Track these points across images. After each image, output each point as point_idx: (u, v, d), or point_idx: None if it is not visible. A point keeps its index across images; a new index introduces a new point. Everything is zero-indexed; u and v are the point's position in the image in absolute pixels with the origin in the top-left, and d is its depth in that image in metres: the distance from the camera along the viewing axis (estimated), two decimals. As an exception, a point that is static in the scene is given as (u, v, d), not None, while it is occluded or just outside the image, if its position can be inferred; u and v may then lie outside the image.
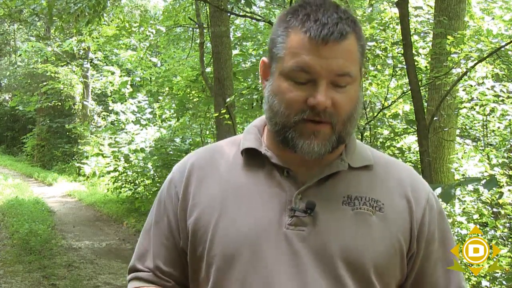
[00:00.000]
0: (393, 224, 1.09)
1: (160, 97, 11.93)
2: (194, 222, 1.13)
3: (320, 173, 1.10)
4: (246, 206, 1.10)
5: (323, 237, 1.06)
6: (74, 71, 17.31)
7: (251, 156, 1.15)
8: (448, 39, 4.74)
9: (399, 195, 1.13)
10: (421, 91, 3.64)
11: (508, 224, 5.17)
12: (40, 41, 16.87)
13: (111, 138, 12.22)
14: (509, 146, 6.46)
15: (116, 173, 11.09)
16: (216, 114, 6.86)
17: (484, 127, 6.55)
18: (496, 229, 5.02)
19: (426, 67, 5.58)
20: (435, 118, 4.93)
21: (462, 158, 5.86)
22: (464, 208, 5.17)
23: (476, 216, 5.12)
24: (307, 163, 1.11)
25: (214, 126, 8.82)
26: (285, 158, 1.12)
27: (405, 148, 6.07)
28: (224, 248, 1.08)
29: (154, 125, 11.95)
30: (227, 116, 6.58)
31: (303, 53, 1.04)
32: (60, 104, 18.15)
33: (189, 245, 1.14)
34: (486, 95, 5.30)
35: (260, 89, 6.34)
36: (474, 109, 5.97)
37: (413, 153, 6.09)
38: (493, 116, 6.11)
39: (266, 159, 1.13)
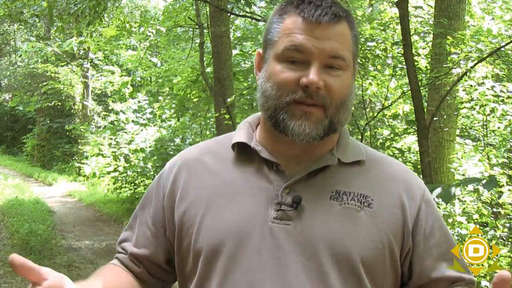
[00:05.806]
0: (382, 220, 1.07)
1: (160, 97, 11.92)
2: (181, 215, 1.13)
3: (309, 167, 1.09)
4: (234, 200, 1.09)
5: (308, 231, 1.04)
6: (74, 71, 17.29)
7: (242, 151, 1.15)
8: (448, 39, 4.74)
9: (391, 191, 1.10)
10: (421, 91, 3.63)
11: (508, 224, 5.17)
12: (40, 41, 16.86)
13: (111, 138, 12.21)
14: (509, 146, 6.46)
15: (116, 173, 11.09)
16: (216, 114, 6.86)
17: (484, 127, 6.54)
18: (496, 229, 5.02)
19: (426, 67, 5.57)
20: (435, 118, 4.93)
21: (462, 158, 5.85)
22: (464, 208, 5.17)
23: (476, 216, 5.12)
24: (297, 157, 1.11)
25: (214, 126, 8.82)
26: (276, 152, 1.12)
27: (405, 148, 6.06)
28: (209, 240, 1.08)
29: (154, 125, 11.94)
30: (227, 116, 6.58)
31: (297, 32, 1.04)
32: (60, 104, 18.15)
33: (176, 237, 1.15)
34: (486, 95, 5.29)
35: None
36: (474, 109, 5.96)
37: (413, 153, 6.08)
38: (493, 116, 6.11)
39: (255, 154, 1.13)
